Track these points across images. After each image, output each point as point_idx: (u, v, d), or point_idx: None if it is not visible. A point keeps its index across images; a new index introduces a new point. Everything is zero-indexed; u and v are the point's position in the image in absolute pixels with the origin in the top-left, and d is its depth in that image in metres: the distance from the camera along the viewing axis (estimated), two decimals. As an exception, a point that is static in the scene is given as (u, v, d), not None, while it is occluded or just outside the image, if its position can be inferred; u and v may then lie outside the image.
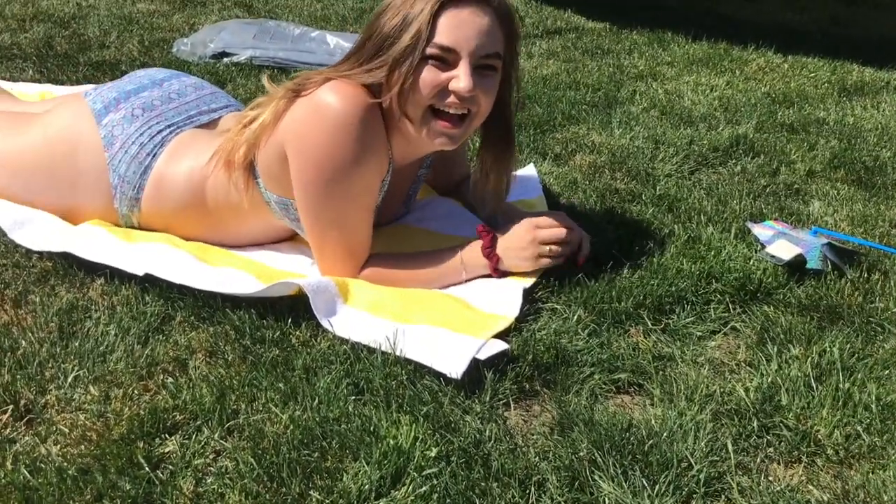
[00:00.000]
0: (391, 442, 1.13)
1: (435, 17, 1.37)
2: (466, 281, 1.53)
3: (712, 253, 1.63)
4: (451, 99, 1.40)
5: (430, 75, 1.38)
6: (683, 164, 2.09)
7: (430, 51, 1.37)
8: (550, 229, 1.52)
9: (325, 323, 1.37)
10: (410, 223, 1.71)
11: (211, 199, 1.57)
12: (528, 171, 1.95)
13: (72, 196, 1.64)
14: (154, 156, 1.60)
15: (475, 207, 1.72)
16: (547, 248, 1.51)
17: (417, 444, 1.13)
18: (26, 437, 1.14)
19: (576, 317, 1.43)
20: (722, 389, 1.28)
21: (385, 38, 1.39)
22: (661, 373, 1.33)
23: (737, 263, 1.59)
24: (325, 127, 1.38)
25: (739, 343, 1.42)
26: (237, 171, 1.51)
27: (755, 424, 1.21)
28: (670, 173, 2.04)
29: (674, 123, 2.36)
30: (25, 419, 1.17)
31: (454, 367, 1.25)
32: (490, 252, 1.51)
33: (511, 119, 1.56)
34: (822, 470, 1.15)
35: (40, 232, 1.58)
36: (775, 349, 1.37)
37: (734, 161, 2.13)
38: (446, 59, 1.38)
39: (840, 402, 1.24)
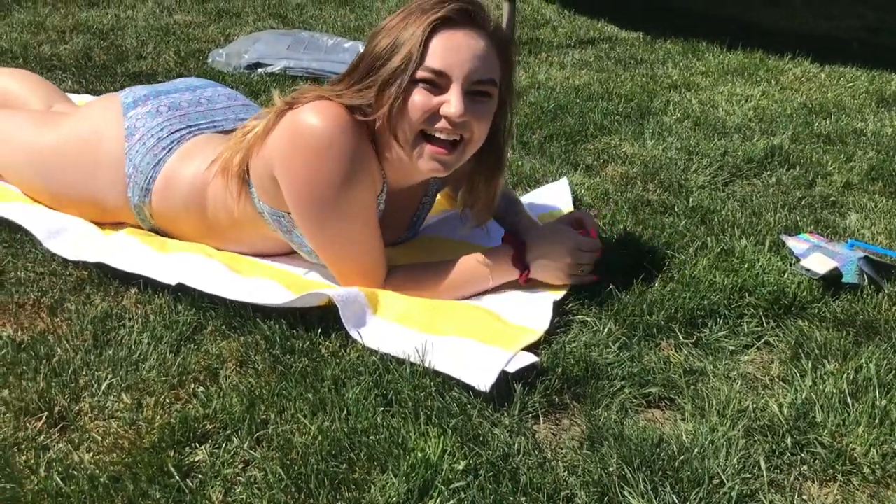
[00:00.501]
0: (419, 454, 1.13)
1: (427, 39, 1.34)
2: (493, 289, 1.52)
3: (746, 266, 1.61)
4: (442, 124, 1.36)
5: (420, 99, 1.35)
6: (717, 175, 2.07)
7: (421, 74, 1.34)
8: (591, 253, 1.51)
9: (354, 334, 1.38)
10: (431, 233, 1.71)
11: (210, 204, 1.59)
12: (561, 184, 1.94)
13: (92, 185, 1.67)
14: (169, 150, 1.62)
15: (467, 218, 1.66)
16: (581, 269, 1.51)
17: (445, 456, 1.12)
18: (60, 445, 1.15)
19: (606, 329, 1.42)
20: (755, 405, 1.26)
21: (376, 59, 1.37)
22: (692, 387, 1.31)
23: (771, 277, 1.57)
24: (307, 149, 1.36)
25: (773, 358, 1.40)
26: (232, 179, 1.50)
27: (789, 441, 1.19)
28: (703, 185, 2.02)
29: (707, 134, 2.34)
30: (59, 426, 1.19)
31: (483, 380, 1.25)
32: (520, 263, 1.50)
33: (504, 145, 1.51)
34: (857, 489, 1.12)
35: (75, 241, 1.61)
36: (810, 365, 1.35)
37: (769, 172, 2.10)
38: (438, 83, 1.35)
39: (877, 420, 1.22)
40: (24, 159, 1.74)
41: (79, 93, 2.53)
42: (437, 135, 1.38)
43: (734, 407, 1.25)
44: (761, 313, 1.49)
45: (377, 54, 1.37)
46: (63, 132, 1.71)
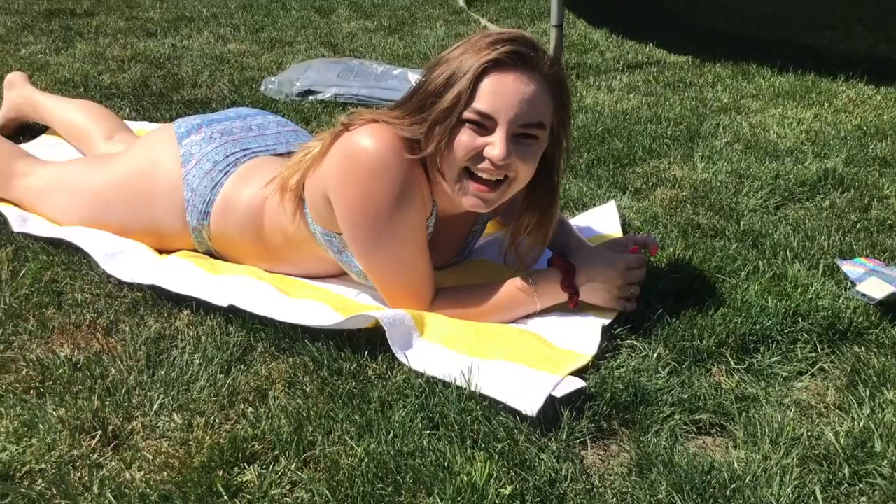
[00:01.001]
0: (465, 478, 1.12)
1: (477, 80, 1.35)
2: (539, 312, 1.52)
3: (799, 290, 1.58)
4: (486, 164, 1.38)
5: (466, 138, 1.37)
6: (769, 198, 2.04)
7: (468, 115, 1.36)
8: (641, 271, 1.50)
9: (400, 356, 1.38)
10: (482, 256, 1.71)
11: (267, 224, 1.62)
12: (609, 207, 1.93)
13: (150, 214, 1.71)
14: (226, 173, 1.67)
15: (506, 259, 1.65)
16: (630, 291, 1.50)
17: (492, 481, 1.12)
18: (112, 463, 1.17)
19: (655, 354, 1.40)
20: (809, 433, 1.23)
21: (429, 96, 1.39)
22: (744, 414, 1.29)
23: (825, 302, 1.54)
24: (360, 171, 1.39)
25: (828, 385, 1.37)
26: (288, 198, 1.53)
27: (846, 471, 1.16)
28: (755, 208, 1.99)
29: (759, 157, 2.31)
30: (112, 444, 1.21)
31: (530, 404, 1.24)
32: (569, 287, 1.49)
33: (557, 184, 1.51)
34: (918, 521, 1.09)
35: (131, 264, 1.65)
36: (867, 392, 1.32)
37: (822, 196, 2.06)
38: (484, 125, 1.36)
39: (938, 450, 1.18)
40: (82, 203, 1.79)
41: (136, 120, 2.60)
42: (480, 174, 1.39)
43: (788, 434, 1.23)
44: (815, 339, 1.46)
45: (430, 91, 1.39)
46: (119, 168, 1.77)
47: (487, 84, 1.36)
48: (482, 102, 1.35)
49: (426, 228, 1.49)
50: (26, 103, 2.36)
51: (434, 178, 1.45)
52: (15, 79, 2.40)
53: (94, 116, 2.22)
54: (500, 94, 1.35)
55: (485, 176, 1.39)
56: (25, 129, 2.43)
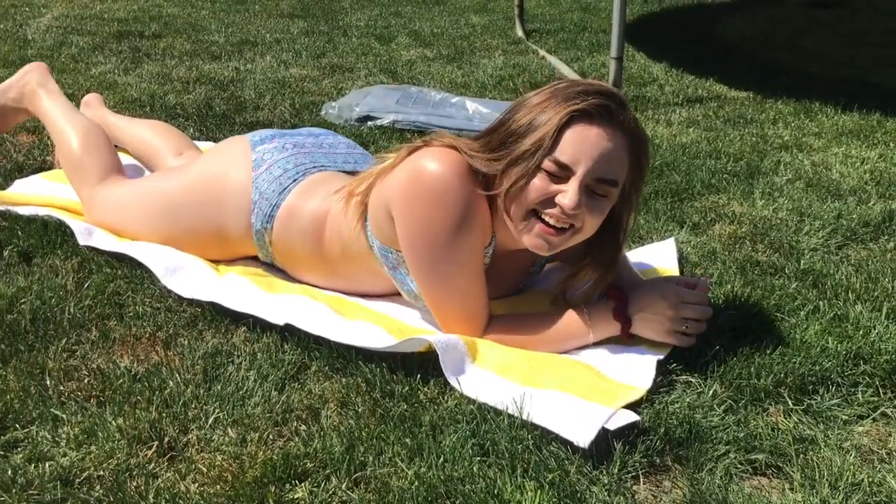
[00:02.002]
0: (515, 506, 1.12)
1: (562, 128, 1.37)
2: (594, 344, 1.51)
3: (861, 332, 1.54)
4: (555, 210, 1.39)
5: (540, 183, 1.38)
6: (830, 238, 2.00)
7: (547, 164, 1.37)
8: (696, 306, 1.47)
9: (452, 381, 1.38)
10: (537, 286, 1.71)
11: (327, 235, 1.65)
12: (668, 243, 1.91)
13: (218, 215, 1.76)
14: (294, 181, 1.71)
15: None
16: (685, 325, 1.47)
17: (542, 510, 1.11)
18: (168, 473, 1.19)
19: (711, 391, 1.38)
20: (871, 479, 1.20)
21: (510, 135, 1.41)
22: (801, 456, 1.26)
23: (889, 345, 1.50)
24: (423, 194, 1.42)
25: (890, 430, 1.33)
26: (354, 201, 1.57)
27: (908, 520, 1.12)
28: (816, 247, 1.95)
29: (820, 196, 2.27)
30: (168, 455, 1.23)
31: (582, 436, 1.23)
32: (622, 316, 1.48)
33: (622, 240, 1.51)
34: None
35: (191, 280, 1.68)
36: (932, 440, 1.28)
37: (886, 237, 2.02)
38: (560, 175, 1.38)
39: None
40: (154, 207, 1.85)
41: (199, 140, 2.67)
42: (548, 220, 1.40)
43: (847, 479, 1.19)
44: (877, 382, 1.42)
45: (513, 130, 1.41)
46: (192, 173, 1.84)
47: (570, 135, 1.37)
48: (564, 153, 1.37)
49: (484, 257, 1.50)
50: (100, 124, 2.43)
51: (497, 213, 1.46)
52: (91, 100, 2.48)
53: (162, 134, 2.29)
54: (583, 146, 1.37)
55: (551, 222, 1.40)
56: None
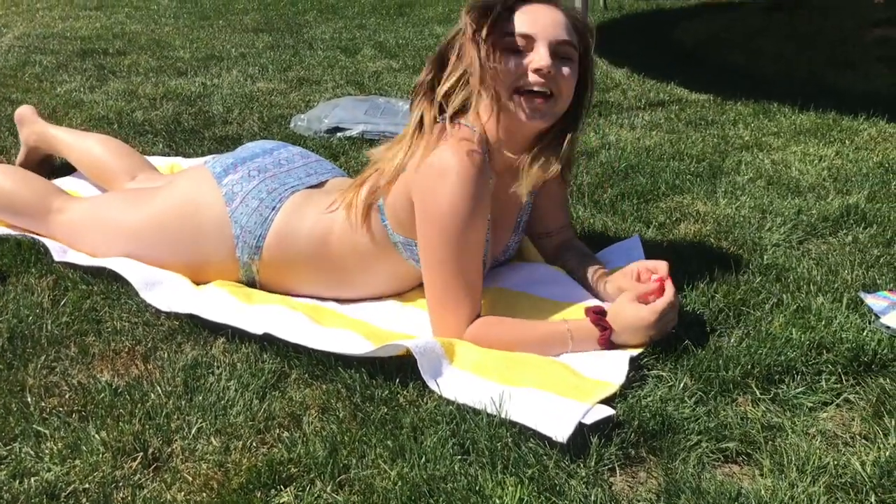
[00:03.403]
0: (496, 502, 1.15)
1: (510, 10, 1.53)
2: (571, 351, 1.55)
3: (823, 323, 1.60)
4: (533, 77, 1.52)
5: (511, 63, 1.52)
6: (791, 233, 2.06)
7: (510, 40, 1.52)
8: (672, 312, 1.53)
9: (431, 383, 1.41)
10: (512, 287, 1.74)
11: (336, 247, 1.68)
12: (633, 241, 1.96)
13: (195, 251, 1.77)
14: (275, 209, 1.73)
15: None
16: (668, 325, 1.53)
17: (523, 504, 1.14)
18: (154, 484, 1.21)
19: (682, 384, 1.43)
20: (836, 462, 1.25)
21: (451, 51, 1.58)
22: (770, 443, 1.30)
23: (849, 334, 1.55)
24: (445, 188, 1.51)
25: (854, 416, 1.38)
26: (365, 201, 1.64)
27: (873, 500, 1.17)
28: (778, 243, 2.01)
29: (781, 193, 2.34)
30: (153, 466, 1.25)
31: (560, 431, 1.27)
32: (608, 344, 1.52)
33: (584, 112, 1.66)
34: (946, 549, 1.10)
35: (169, 293, 1.70)
36: (893, 423, 1.33)
37: (845, 231, 2.09)
38: (524, 46, 1.52)
39: (965, 480, 1.19)
40: (121, 241, 1.83)
41: (169, 155, 2.67)
42: (530, 87, 1.53)
43: (814, 463, 1.24)
44: (840, 370, 1.47)
45: (453, 46, 1.58)
46: (157, 207, 1.81)
47: (519, 15, 1.54)
48: (522, 26, 1.53)
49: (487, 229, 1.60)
50: (40, 139, 2.34)
51: (491, 133, 1.59)
52: (24, 114, 2.38)
53: (115, 153, 2.20)
54: (536, 18, 1.54)
55: (535, 88, 1.53)
56: (56, 171, 2.48)
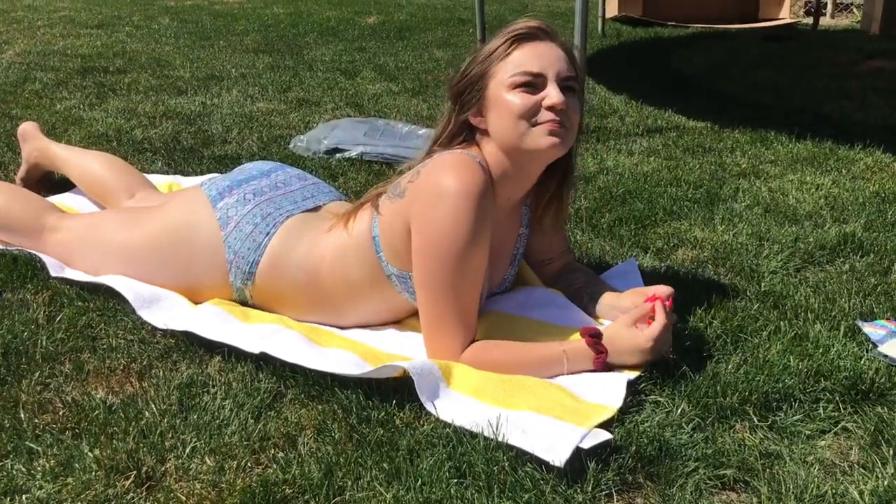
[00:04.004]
0: (493, 526, 1.14)
1: (511, 50, 1.56)
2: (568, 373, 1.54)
3: (820, 351, 1.60)
4: (546, 115, 1.53)
5: (521, 100, 1.53)
6: (789, 261, 2.07)
7: (519, 79, 1.53)
8: (667, 336, 1.54)
9: (428, 406, 1.40)
10: (511, 311, 1.74)
11: (328, 278, 1.66)
12: (629, 265, 1.96)
13: (189, 274, 1.76)
14: (269, 235, 1.71)
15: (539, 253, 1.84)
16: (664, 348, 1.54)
17: (519, 529, 1.13)
18: (146, 503, 1.19)
19: (679, 410, 1.42)
20: (834, 490, 1.24)
21: (472, 81, 1.60)
22: (768, 470, 1.30)
23: (847, 362, 1.55)
24: (446, 211, 1.49)
25: (852, 444, 1.38)
26: (361, 212, 1.65)
27: (871, 529, 1.16)
28: (775, 270, 2.02)
29: (778, 221, 2.35)
30: (146, 485, 1.23)
31: (557, 455, 1.26)
32: (603, 366, 1.52)
33: (574, 148, 1.67)
34: (945, 581, 1.09)
35: (165, 311, 1.69)
36: (891, 452, 1.33)
37: (842, 259, 2.09)
38: (534, 84, 1.54)
39: (963, 510, 1.19)
40: (115, 261, 1.83)
41: (167, 174, 2.67)
42: (545, 121, 1.54)
43: (812, 492, 1.23)
44: (838, 398, 1.47)
45: (472, 75, 1.60)
46: (153, 228, 1.80)
47: (526, 51, 1.56)
48: (529, 65, 1.55)
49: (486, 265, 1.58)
50: (41, 156, 2.35)
51: (495, 168, 1.59)
52: (27, 130, 2.39)
53: (114, 171, 2.21)
54: (541, 56, 1.56)
55: (547, 124, 1.54)
56: (56, 185, 2.48)
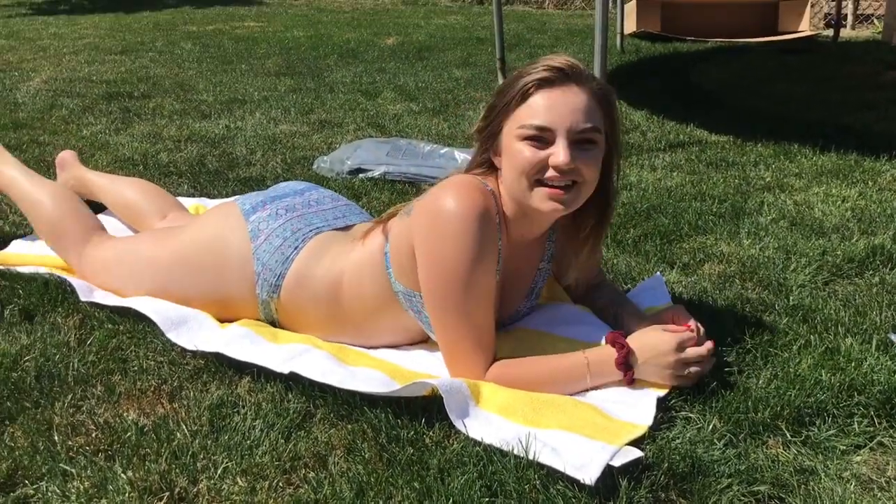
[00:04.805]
0: (526, 545, 1.13)
1: (526, 97, 1.48)
2: (591, 388, 1.53)
3: (853, 364, 1.58)
4: (552, 173, 1.47)
5: (530, 154, 1.47)
6: (817, 274, 2.05)
7: (526, 132, 1.47)
8: (696, 349, 1.52)
9: (458, 424, 1.40)
10: (537, 327, 1.74)
11: (345, 294, 1.68)
12: (656, 280, 1.96)
13: (218, 285, 1.78)
14: (296, 249, 1.73)
15: (569, 281, 1.80)
16: (687, 370, 1.51)
17: (553, 547, 1.12)
18: (180, 524, 1.20)
19: (711, 426, 1.41)
20: (871, 506, 1.23)
21: (489, 120, 1.56)
22: (803, 486, 1.28)
23: (881, 376, 1.53)
24: (444, 233, 1.48)
25: (888, 459, 1.36)
26: (379, 229, 1.64)
27: (910, 545, 1.15)
28: (803, 284, 2.00)
29: (805, 234, 2.33)
30: (179, 506, 1.24)
31: (588, 474, 1.25)
32: (624, 367, 1.51)
33: (612, 188, 1.61)
34: None
35: (194, 333, 1.70)
36: (928, 466, 1.31)
37: (871, 272, 2.07)
38: (543, 138, 1.47)
39: None
40: (147, 274, 1.86)
41: (194, 196, 2.70)
42: (550, 182, 1.48)
43: (849, 508, 1.22)
44: (872, 413, 1.45)
45: (491, 107, 1.56)
46: (184, 242, 1.84)
47: (538, 100, 1.48)
48: (538, 118, 1.47)
49: (496, 280, 1.55)
50: (78, 184, 2.40)
51: (507, 208, 1.56)
52: (66, 158, 2.45)
53: (147, 195, 2.27)
54: (553, 107, 1.47)
55: (554, 183, 1.48)
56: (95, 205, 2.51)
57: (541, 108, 1.47)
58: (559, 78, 1.48)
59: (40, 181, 2.14)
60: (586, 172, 1.49)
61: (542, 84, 1.48)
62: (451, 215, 1.47)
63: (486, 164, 1.60)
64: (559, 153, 1.45)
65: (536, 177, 1.48)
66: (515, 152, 1.49)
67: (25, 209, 2.12)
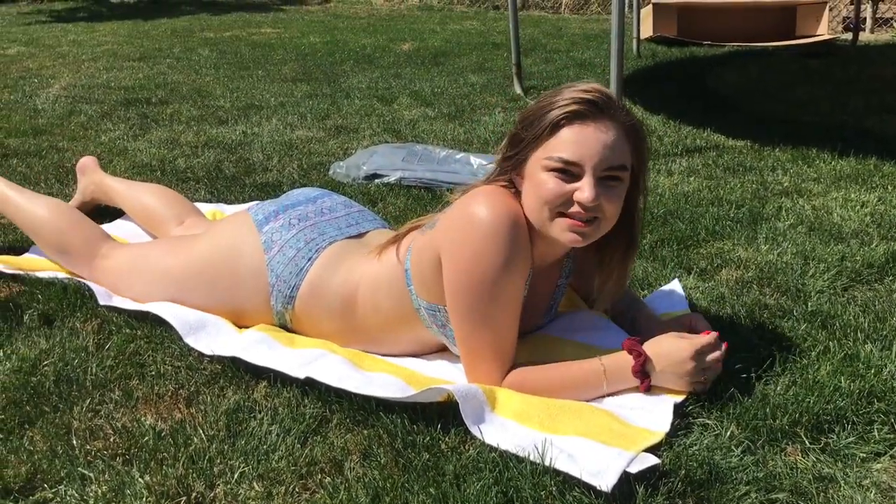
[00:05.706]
0: (542, 551, 1.13)
1: (557, 129, 1.46)
2: (608, 395, 1.53)
3: (872, 371, 1.57)
4: (576, 208, 1.46)
5: (555, 186, 1.46)
6: (836, 280, 2.03)
7: (554, 164, 1.45)
8: (713, 354, 1.51)
9: (474, 430, 1.40)
10: (554, 333, 1.73)
11: (360, 307, 1.67)
12: (673, 286, 1.95)
13: (232, 297, 1.79)
14: (310, 260, 1.73)
15: (597, 302, 1.76)
16: (703, 375, 1.50)
17: (569, 554, 1.12)
18: (197, 529, 1.21)
19: (728, 433, 1.40)
20: (892, 515, 1.21)
21: (516, 141, 1.53)
22: (822, 494, 1.27)
23: (901, 383, 1.52)
24: (475, 237, 1.47)
25: (909, 467, 1.34)
26: (395, 246, 1.64)
27: (932, 554, 1.13)
28: (822, 289, 1.98)
29: (823, 239, 2.31)
30: (196, 511, 1.25)
31: (604, 480, 1.25)
32: (640, 373, 1.51)
33: (637, 222, 1.60)
34: None
35: (211, 337, 1.71)
36: (950, 475, 1.29)
37: (891, 278, 2.05)
38: (571, 172, 1.46)
39: None
40: (161, 285, 1.87)
41: (210, 202, 2.72)
42: (572, 216, 1.47)
43: (869, 516, 1.21)
44: (892, 420, 1.44)
45: (517, 136, 1.53)
46: (198, 253, 1.85)
47: (570, 133, 1.46)
48: (567, 152, 1.45)
49: (523, 293, 1.54)
50: (98, 189, 2.44)
51: (531, 228, 1.53)
52: (86, 164, 2.48)
53: (165, 201, 2.29)
54: (583, 142, 1.45)
55: (576, 217, 1.47)
56: (104, 211, 2.53)
57: (570, 142, 1.45)
58: (592, 112, 1.46)
59: (33, 195, 2.13)
60: (608, 209, 1.48)
61: (574, 118, 1.46)
62: (483, 220, 1.47)
63: (508, 182, 1.57)
64: (585, 189, 1.44)
65: (560, 209, 1.47)
66: (541, 182, 1.47)
67: (25, 226, 2.10)
